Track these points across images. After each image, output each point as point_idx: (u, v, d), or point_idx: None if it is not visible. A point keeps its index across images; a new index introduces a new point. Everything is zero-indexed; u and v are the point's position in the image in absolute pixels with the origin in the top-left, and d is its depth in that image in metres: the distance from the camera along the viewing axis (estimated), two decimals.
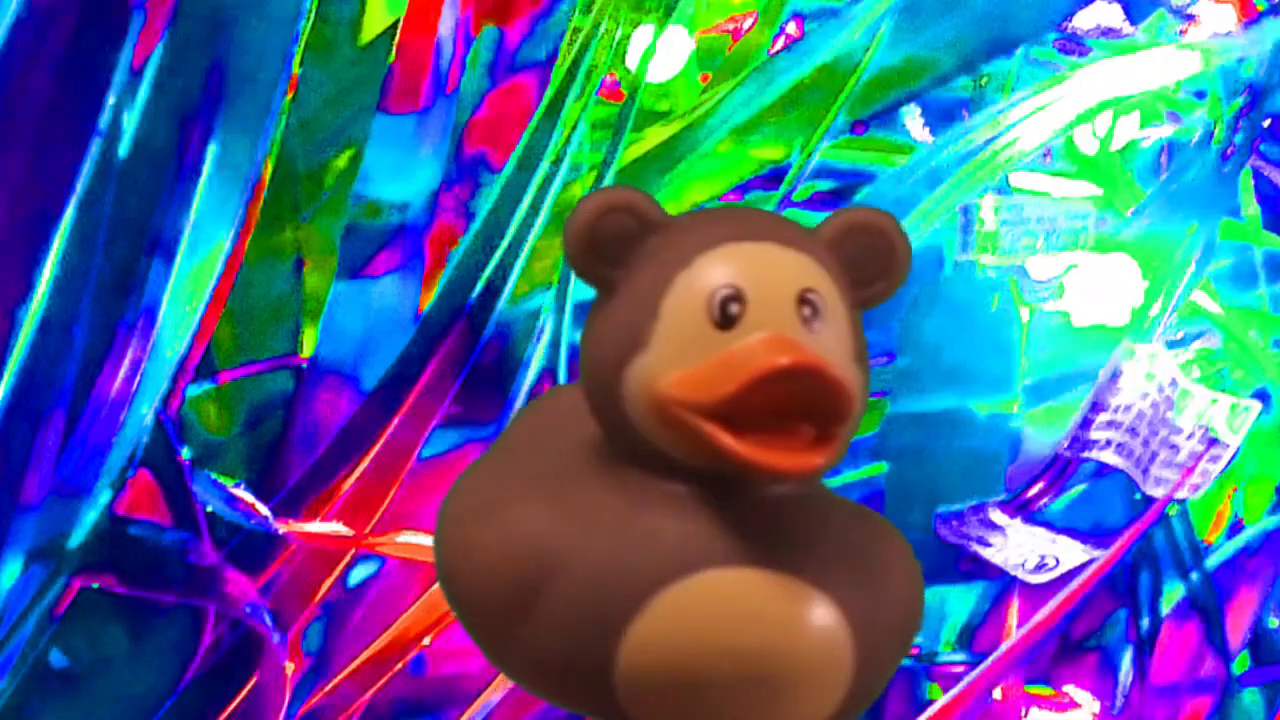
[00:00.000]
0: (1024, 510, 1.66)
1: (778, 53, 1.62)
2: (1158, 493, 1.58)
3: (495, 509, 0.60)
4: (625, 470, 0.59)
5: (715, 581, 0.57)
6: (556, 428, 0.63)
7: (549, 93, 1.40)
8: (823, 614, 0.58)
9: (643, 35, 1.47)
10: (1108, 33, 1.73)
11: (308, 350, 1.44)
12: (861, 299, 0.59)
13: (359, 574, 1.41)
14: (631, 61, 1.47)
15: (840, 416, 0.56)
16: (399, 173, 1.42)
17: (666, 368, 0.57)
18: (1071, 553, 1.59)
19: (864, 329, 0.60)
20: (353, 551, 1.37)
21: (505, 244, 1.39)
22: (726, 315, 0.57)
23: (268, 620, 1.29)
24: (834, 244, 0.59)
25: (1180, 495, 1.58)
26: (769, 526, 0.58)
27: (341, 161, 1.46)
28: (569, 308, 1.42)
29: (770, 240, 0.58)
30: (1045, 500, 1.67)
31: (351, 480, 1.37)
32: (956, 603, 1.77)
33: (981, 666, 1.56)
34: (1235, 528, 1.87)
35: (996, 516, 1.65)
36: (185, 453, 1.29)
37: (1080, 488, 1.73)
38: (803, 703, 0.58)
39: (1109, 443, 1.60)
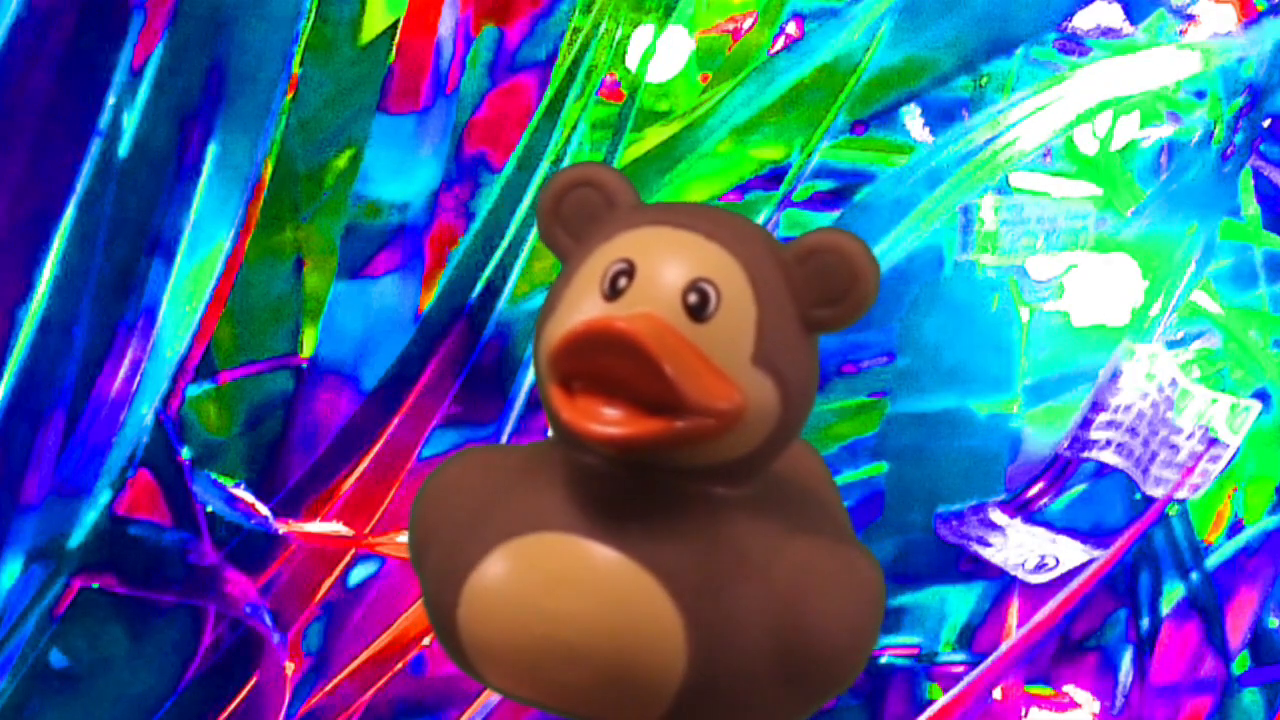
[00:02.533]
0: (1024, 510, 1.66)
1: (778, 53, 1.62)
2: (1158, 493, 1.58)
3: (440, 468, 0.63)
4: (549, 443, 0.60)
5: (541, 543, 0.58)
6: None
7: (549, 93, 1.40)
8: (645, 594, 0.57)
9: (643, 35, 1.47)
10: (1108, 33, 1.73)
11: (308, 350, 1.44)
12: (820, 318, 0.59)
13: (359, 574, 1.41)
14: (631, 61, 1.47)
15: (661, 395, 0.55)
16: (399, 173, 1.42)
17: (556, 330, 0.58)
18: (1071, 553, 1.59)
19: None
20: (353, 551, 1.37)
21: (505, 244, 1.39)
22: (614, 287, 0.57)
23: (268, 620, 1.29)
24: (799, 260, 0.59)
25: (1180, 495, 1.58)
26: (644, 510, 0.58)
27: (341, 161, 1.46)
28: None
29: (691, 230, 0.58)
30: (1045, 500, 1.67)
31: (351, 480, 1.37)
32: (956, 603, 1.77)
33: (981, 666, 1.55)
34: (1235, 528, 1.87)
35: (996, 516, 1.65)
36: (185, 453, 1.29)
37: (1080, 488, 1.73)
38: (622, 681, 0.57)
39: (1109, 443, 1.60)
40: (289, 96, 1.24)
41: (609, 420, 0.56)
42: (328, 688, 1.39)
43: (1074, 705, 1.76)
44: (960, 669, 1.68)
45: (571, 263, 0.59)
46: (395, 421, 1.37)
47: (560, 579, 0.57)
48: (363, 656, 1.40)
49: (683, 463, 0.58)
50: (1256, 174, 1.83)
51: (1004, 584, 1.74)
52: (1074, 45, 1.73)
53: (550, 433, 0.61)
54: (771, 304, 0.58)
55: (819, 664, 0.59)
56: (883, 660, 1.74)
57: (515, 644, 0.58)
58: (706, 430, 0.56)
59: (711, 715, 0.58)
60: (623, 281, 0.57)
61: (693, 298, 0.57)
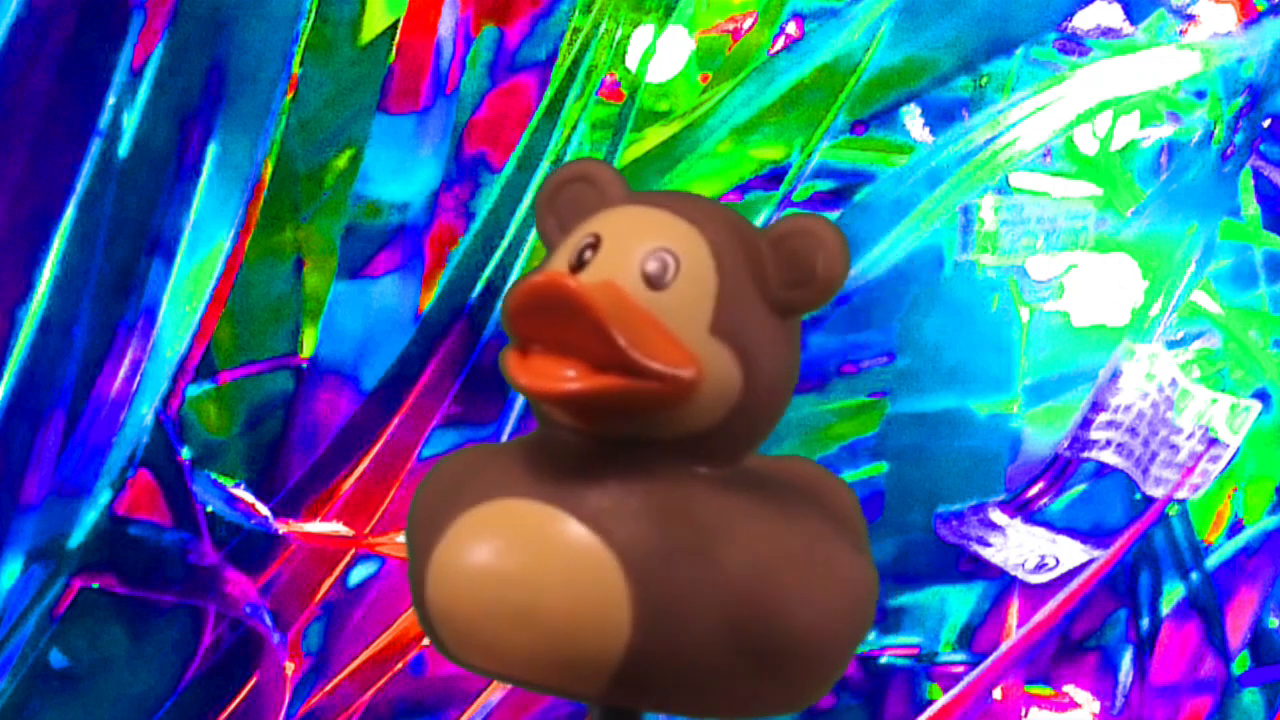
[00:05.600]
0: (1024, 510, 1.66)
1: (778, 53, 1.62)
2: (1158, 493, 1.58)
3: (440, 461, 0.63)
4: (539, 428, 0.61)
5: (499, 509, 0.58)
6: None
7: (549, 93, 1.40)
8: (591, 555, 0.57)
9: (643, 35, 1.47)
10: (1108, 33, 1.73)
11: (308, 350, 1.44)
12: (789, 299, 0.59)
13: (359, 574, 1.41)
14: (631, 61, 1.47)
15: (607, 356, 0.56)
16: (399, 173, 1.42)
17: (515, 292, 0.59)
18: (1071, 553, 1.59)
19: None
20: (353, 551, 1.37)
21: (505, 244, 1.39)
22: (580, 260, 0.58)
23: (268, 620, 1.29)
24: (775, 243, 0.59)
25: (1180, 495, 1.58)
26: (604, 480, 0.58)
27: (341, 161, 1.46)
28: None
29: (663, 209, 0.59)
30: (1045, 500, 1.67)
31: (351, 480, 1.37)
32: (956, 603, 1.77)
33: (981, 666, 1.56)
34: (1235, 528, 1.87)
35: (996, 516, 1.65)
36: (185, 453, 1.29)
37: (1080, 488, 1.73)
38: (570, 642, 0.57)
39: (1109, 443, 1.60)
40: (289, 96, 1.24)
41: (560, 377, 0.56)
42: (328, 688, 1.39)
43: (1074, 705, 1.76)
44: (960, 669, 1.68)
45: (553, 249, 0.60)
46: (395, 421, 1.37)
47: (513, 542, 0.58)
48: (363, 656, 1.40)
49: (647, 433, 0.58)
50: (1256, 174, 1.83)
51: (1004, 584, 1.74)
52: (1074, 45, 1.73)
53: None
54: (734, 277, 0.58)
55: (775, 644, 0.58)
56: (883, 660, 1.74)
57: (473, 612, 0.58)
58: (657, 392, 0.57)
59: (659, 686, 0.58)
60: (588, 254, 0.58)
61: (651, 266, 0.58)
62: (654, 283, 0.58)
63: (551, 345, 0.57)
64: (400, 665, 1.40)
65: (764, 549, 0.58)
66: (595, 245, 0.58)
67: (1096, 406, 1.60)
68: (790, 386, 0.60)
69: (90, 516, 1.22)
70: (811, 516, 0.61)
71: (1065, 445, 1.62)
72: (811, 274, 0.59)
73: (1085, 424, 1.61)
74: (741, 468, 0.60)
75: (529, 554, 0.58)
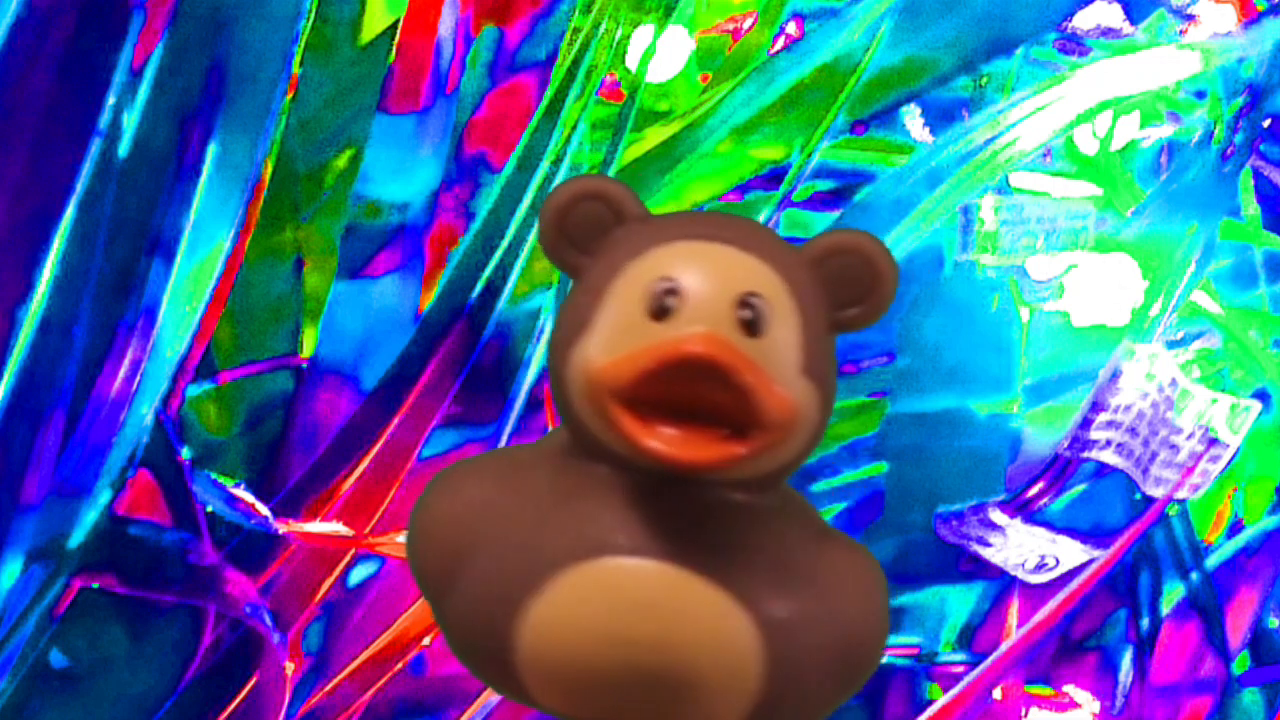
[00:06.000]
0: (1024, 510, 1.66)
1: (778, 53, 1.62)
2: (1158, 493, 1.58)
3: (449, 483, 0.61)
4: (574, 459, 0.59)
5: (614, 567, 0.57)
6: (556, 431, 0.63)
7: (549, 93, 1.40)
8: (726, 614, 0.57)
9: (643, 35, 1.47)
10: (1108, 33, 1.73)
11: (308, 350, 1.44)
12: (841, 320, 0.59)
13: (359, 574, 1.41)
14: (631, 61, 1.47)
15: (750, 418, 0.56)
16: (399, 173, 1.42)
17: (601, 353, 0.57)
18: (1071, 553, 1.59)
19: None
20: (353, 551, 1.37)
21: (505, 244, 1.39)
22: (662, 307, 0.56)
23: (268, 620, 1.29)
24: (816, 262, 0.59)
25: (1180, 495, 1.58)
26: (696, 526, 0.58)
27: (341, 161, 1.46)
28: None
29: (725, 243, 0.58)
30: (1045, 500, 1.67)
31: (351, 480, 1.37)
32: (956, 603, 1.77)
33: (981, 666, 1.56)
34: (1235, 528, 1.87)
35: (996, 516, 1.65)
36: (185, 453, 1.29)
37: (1080, 488, 1.73)
38: (702, 702, 0.57)
39: (1109, 443, 1.60)
40: (289, 96, 1.24)
41: (702, 445, 0.56)
42: (328, 688, 1.39)
43: (1074, 705, 1.76)
44: (960, 669, 1.68)
45: (591, 280, 0.58)
46: (395, 421, 1.37)
47: (636, 603, 0.57)
48: (363, 656, 1.40)
49: (733, 474, 0.58)
50: (1256, 174, 1.83)
51: (1004, 584, 1.74)
52: (1074, 45, 1.73)
53: (549, 437, 0.60)
54: (809, 312, 0.58)
55: (865, 665, 0.60)
56: (883, 660, 1.74)
57: (587, 670, 0.57)
58: (775, 445, 0.57)
59: None
60: (670, 301, 0.56)
61: (745, 313, 0.57)
62: (750, 330, 0.56)
63: (669, 406, 0.56)
64: (400, 665, 1.40)
65: (841, 572, 0.60)
66: (676, 292, 0.57)
67: (1096, 406, 1.60)
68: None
69: (90, 516, 1.22)
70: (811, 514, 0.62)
71: (1065, 445, 1.62)
72: (867, 294, 0.59)
73: (1085, 424, 1.61)
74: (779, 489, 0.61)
75: (659, 615, 0.57)
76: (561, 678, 0.58)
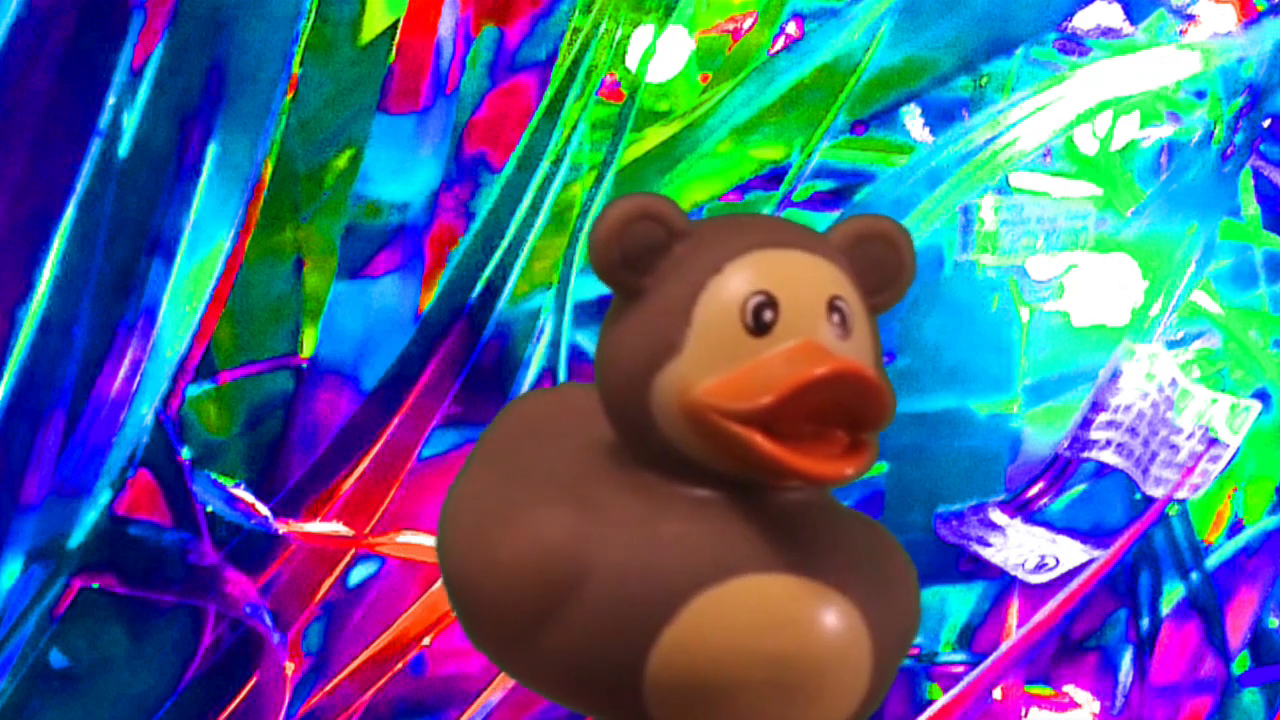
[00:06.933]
0: (1024, 510, 1.66)
1: (778, 53, 1.62)
2: (1158, 493, 1.58)
3: (515, 514, 0.59)
4: (646, 475, 0.59)
5: (749, 587, 0.57)
6: (554, 431, 0.62)
7: (549, 93, 1.40)
8: (848, 618, 0.58)
9: (643, 35, 1.47)
10: (1108, 33, 1.73)
11: (308, 350, 1.44)
12: (875, 305, 0.60)
13: (359, 574, 1.41)
14: (631, 61, 1.47)
15: (877, 422, 0.57)
16: (399, 173, 1.42)
17: (701, 374, 0.57)
18: (1071, 553, 1.59)
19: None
20: (353, 551, 1.37)
21: (505, 244, 1.39)
22: (760, 322, 0.57)
23: (268, 620, 1.29)
24: (846, 250, 0.59)
25: (1180, 495, 1.58)
26: (792, 532, 0.58)
27: (341, 161, 1.46)
28: (569, 308, 1.42)
29: (796, 248, 0.58)
30: (1045, 500, 1.67)
31: (351, 480, 1.37)
32: (956, 603, 1.77)
33: (981, 666, 1.56)
34: (1235, 528, 1.87)
35: (996, 516, 1.65)
36: (185, 453, 1.29)
37: (1080, 488, 1.73)
38: (827, 705, 0.58)
39: (1109, 443, 1.60)
40: (289, 96, 1.24)
41: (836, 455, 0.57)
42: (328, 688, 1.39)
43: (1074, 705, 1.76)
44: (960, 669, 1.68)
45: (667, 300, 0.58)
46: (395, 421, 1.37)
47: (774, 619, 0.57)
48: (363, 656, 1.40)
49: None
50: (1256, 174, 1.83)
51: (1004, 584, 1.74)
52: (1074, 45, 1.73)
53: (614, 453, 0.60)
54: (866, 305, 0.59)
55: (910, 644, 0.62)
56: None
57: (723, 688, 0.58)
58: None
59: (867, 713, 0.60)
60: (768, 314, 0.57)
61: (835, 318, 0.58)
62: (842, 334, 0.58)
63: (806, 422, 0.56)
64: (400, 665, 1.40)
65: (904, 570, 0.62)
66: (772, 305, 0.57)
67: (1096, 406, 1.60)
68: None
69: (90, 516, 1.22)
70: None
71: (1065, 445, 1.62)
72: (894, 277, 0.60)
73: (1085, 424, 1.61)
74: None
75: (801, 629, 0.58)
76: (696, 698, 0.58)
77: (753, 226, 0.60)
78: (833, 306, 0.58)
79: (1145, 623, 1.78)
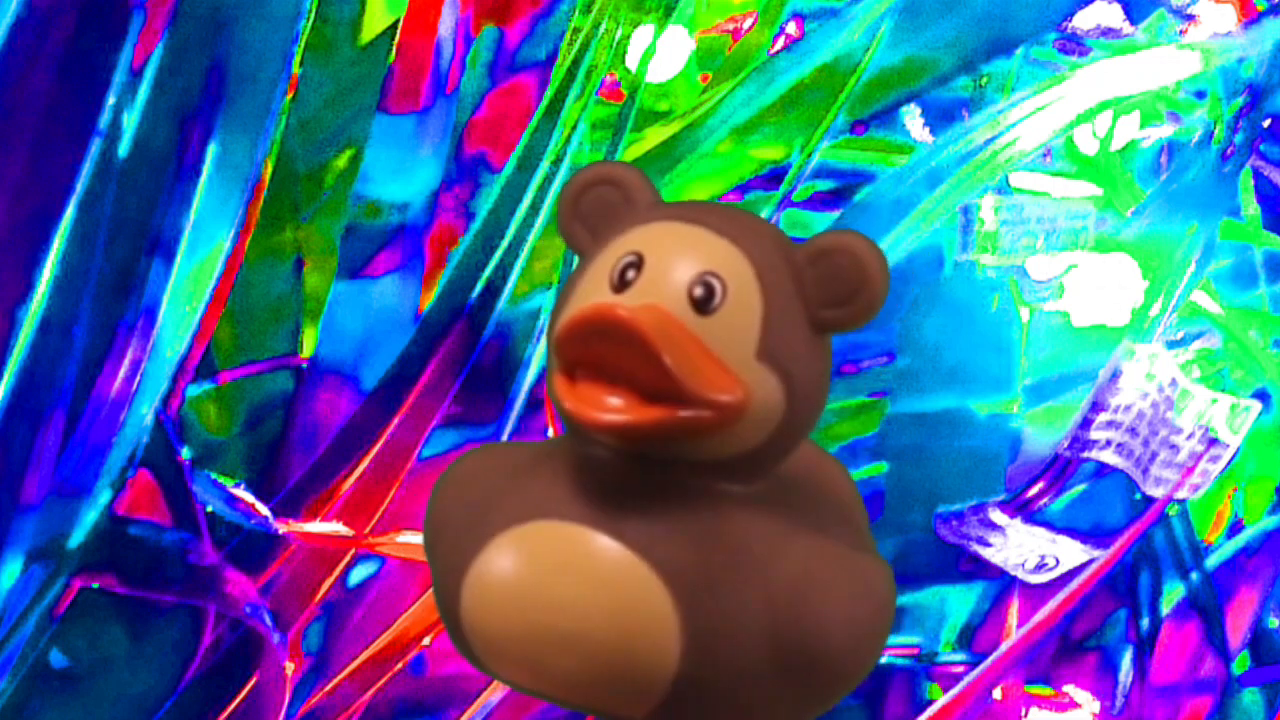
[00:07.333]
0: (1024, 510, 1.66)
1: (778, 53, 1.62)
2: (1158, 493, 1.58)
3: (462, 465, 0.62)
4: (566, 437, 0.60)
5: (541, 529, 0.58)
6: None
7: (549, 93, 1.40)
8: (641, 582, 0.57)
9: (643, 35, 1.47)
10: (1108, 33, 1.73)
11: (308, 350, 1.44)
12: (829, 319, 0.59)
13: (359, 574, 1.41)
14: (631, 61, 1.47)
15: (659, 384, 0.56)
16: (399, 173, 1.42)
17: (562, 318, 0.58)
18: (1071, 553, 1.59)
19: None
20: (353, 551, 1.37)
21: (505, 244, 1.39)
22: (623, 280, 0.58)
23: (268, 620, 1.29)
24: (810, 260, 0.59)
25: (1180, 495, 1.58)
26: (644, 502, 0.58)
27: (341, 161, 1.46)
28: None
29: (703, 225, 0.59)
30: (1045, 500, 1.67)
31: (351, 480, 1.37)
32: (956, 603, 1.77)
33: (981, 666, 1.55)
34: (1235, 528, 1.87)
35: (996, 516, 1.65)
36: (185, 453, 1.29)
37: (1080, 488, 1.73)
38: (617, 671, 0.58)
39: (1109, 443, 1.60)
40: (289, 96, 1.24)
41: (610, 408, 0.56)
42: (328, 688, 1.39)
43: (1074, 705, 1.76)
44: (960, 669, 1.68)
45: (587, 258, 0.60)
46: (395, 421, 1.37)
47: (558, 566, 0.58)
48: (363, 656, 1.40)
49: (687, 455, 0.58)
50: (1256, 174, 1.83)
51: (1004, 584, 1.74)
52: (1074, 45, 1.73)
53: (549, 432, 0.62)
54: (778, 301, 0.58)
55: (816, 663, 0.59)
56: (883, 660, 1.74)
57: (514, 631, 0.58)
58: (706, 421, 0.57)
59: (705, 709, 0.59)
60: (631, 274, 0.58)
61: (698, 291, 0.57)
62: (701, 307, 0.57)
63: (600, 371, 0.56)
64: (400, 665, 1.40)
65: (803, 568, 0.59)
66: (638, 265, 0.58)
67: (1096, 406, 1.60)
68: (824, 402, 0.61)
69: (90, 516, 1.22)
70: (838, 523, 0.62)
71: (1065, 445, 1.62)
72: (852, 294, 0.59)
73: (1085, 424, 1.61)
74: (769, 479, 0.60)
75: (578, 579, 0.57)
76: (496, 640, 0.59)
77: (689, 207, 0.61)
78: (701, 280, 0.57)
79: (1145, 623, 1.78)
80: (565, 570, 0.58)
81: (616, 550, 0.57)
